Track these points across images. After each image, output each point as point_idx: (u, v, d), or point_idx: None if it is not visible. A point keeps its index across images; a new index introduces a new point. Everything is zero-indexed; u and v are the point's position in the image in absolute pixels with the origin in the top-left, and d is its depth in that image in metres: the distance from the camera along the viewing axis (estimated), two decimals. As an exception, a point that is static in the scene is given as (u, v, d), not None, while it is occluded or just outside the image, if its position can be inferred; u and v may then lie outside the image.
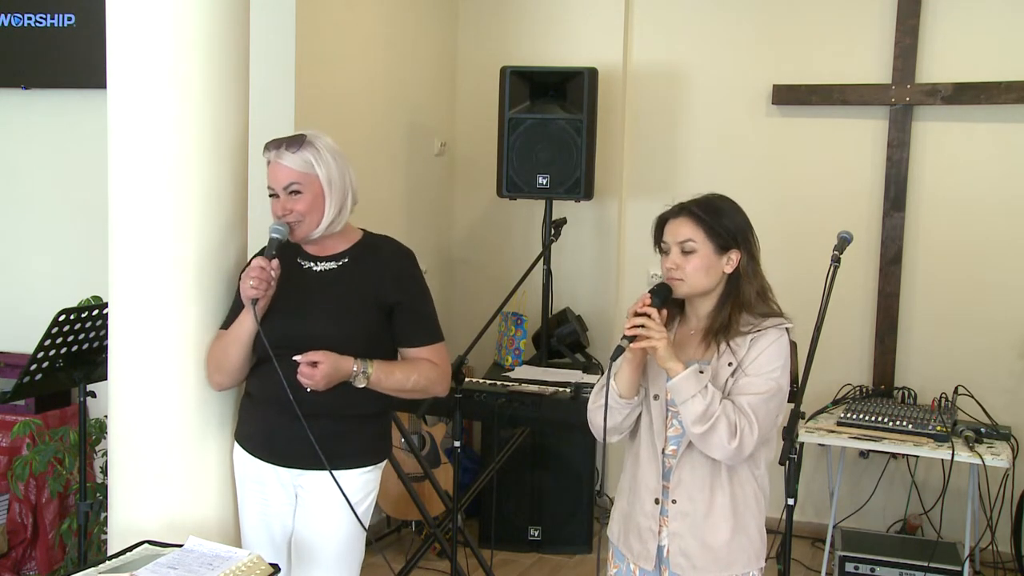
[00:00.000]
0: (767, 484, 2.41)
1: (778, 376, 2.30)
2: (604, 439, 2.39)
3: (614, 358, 2.35)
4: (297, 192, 2.46)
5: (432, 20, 5.06)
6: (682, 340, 2.40)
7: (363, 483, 2.55)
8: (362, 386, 2.46)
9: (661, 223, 2.38)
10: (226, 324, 2.57)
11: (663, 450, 2.37)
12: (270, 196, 2.51)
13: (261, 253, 2.52)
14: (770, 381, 2.29)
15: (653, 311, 2.27)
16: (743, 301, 2.33)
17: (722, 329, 2.32)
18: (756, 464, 2.36)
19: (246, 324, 2.47)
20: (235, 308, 2.56)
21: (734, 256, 2.33)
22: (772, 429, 2.33)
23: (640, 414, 2.42)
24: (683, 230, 2.32)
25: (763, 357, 2.29)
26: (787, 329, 2.36)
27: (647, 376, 2.39)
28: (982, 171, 4.57)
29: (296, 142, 2.47)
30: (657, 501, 2.38)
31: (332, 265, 2.56)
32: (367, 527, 2.57)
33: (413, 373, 2.53)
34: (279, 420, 2.48)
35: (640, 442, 2.43)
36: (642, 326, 2.25)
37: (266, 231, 2.51)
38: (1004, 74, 4.45)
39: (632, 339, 2.27)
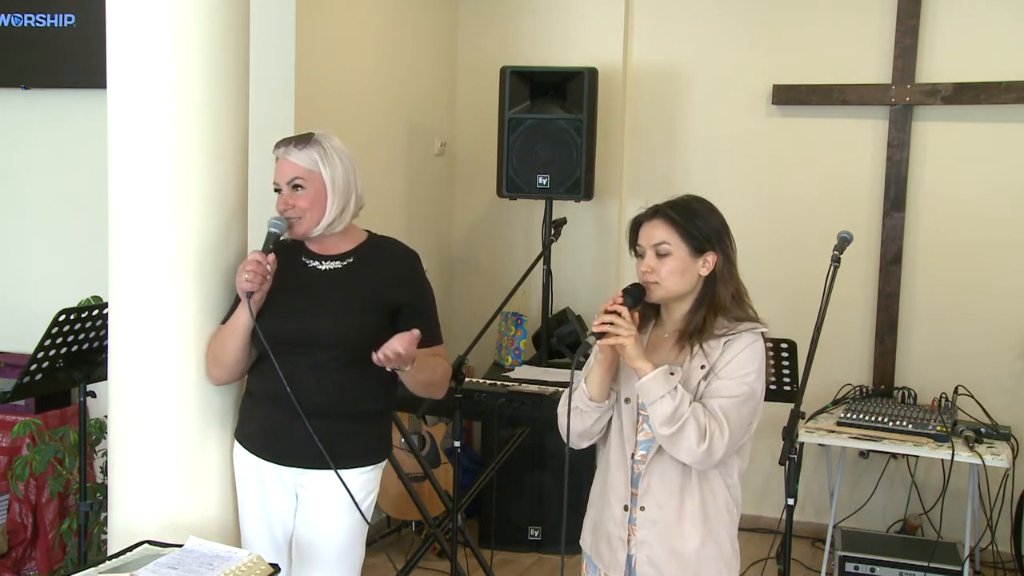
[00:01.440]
0: (740, 496, 2.36)
1: (752, 380, 2.25)
2: (568, 439, 2.35)
3: (581, 354, 2.31)
4: (299, 187, 2.48)
5: (432, 20, 5.06)
6: (656, 343, 2.35)
7: (363, 483, 2.55)
8: (408, 369, 2.40)
9: (636, 226, 2.35)
10: (226, 319, 2.57)
11: (632, 455, 2.33)
12: (276, 191, 2.54)
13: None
14: (743, 385, 2.24)
15: (624, 309, 2.23)
16: (718, 304, 2.29)
17: (696, 332, 2.28)
18: (728, 473, 2.31)
19: (242, 317, 2.47)
20: (236, 304, 2.56)
21: (710, 258, 2.29)
22: (744, 435, 2.28)
23: (611, 418, 2.38)
24: (657, 232, 2.28)
25: (736, 361, 2.25)
26: (762, 334, 2.31)
27: (618, 379, 2.35)
28: (982, 171, 4.57)
29: (304, 140, 2.50)
30: (626, 508, 2.33)
31: (337, 265, 2.56)
32: (370, 524, 2.57)
33: (439, 367, 2.57)
34: (280, 418, 2.48)
35: (610, 447, 2.39)
36: (611, 323, 2.22)
37: (266, 231, 2.51)
38: (1004, 74, 4.45)
39: (600, 336, 2.23)
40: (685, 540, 2.28)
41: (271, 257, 2.46)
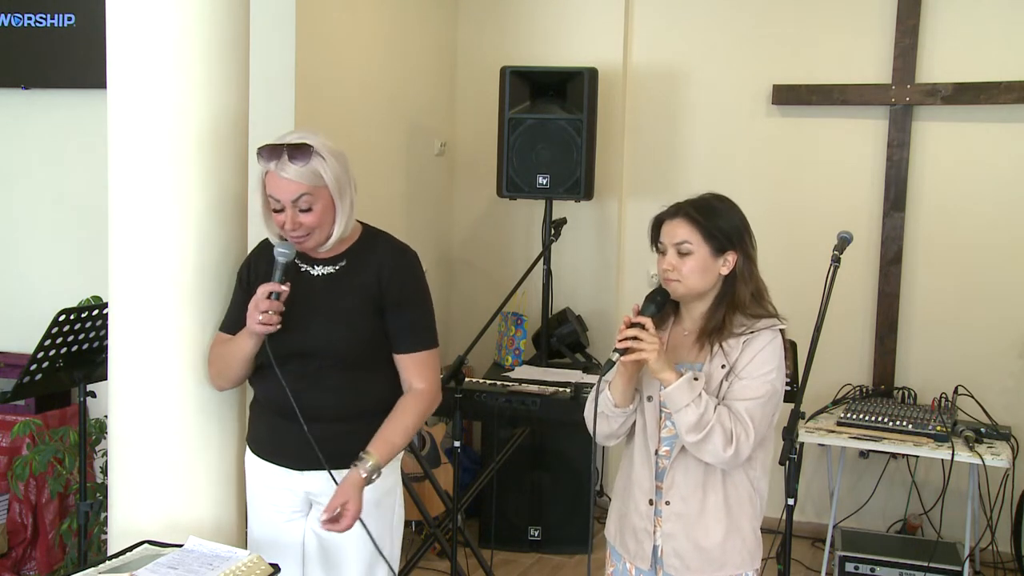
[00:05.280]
0: (764, 487, 2.40)
1: (773, 379, 2.29)
2: (594, 441, 2.40)
3: (604, 372, 2.33)
4: (308, 207, 2.36)
5: (432, 20, 5.06)
6: (676, 341, 2.39)
7: (379, 483, 2.49)
8: (377, 477, 2.40)
9: (658, 223, 2.38)
10: (224, 325, 2.54)
11: (656, 451, 2.37)
12: (273, 210, 2.40)
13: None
14: (765, 384, 2.28)
15: (647, 320, 2.26)
16: (738, 302, 2.32)
17: (716, 330, 2.31)
18: (751, 465, 2.35)
19: (250, 347, 2.42)
20: (233, 308, 2.53)
21: (730, 257, 2.32)
22: (768, 431, 2.33)
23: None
24: (679, 231, 2.31)
25: (757, 359, 2.28)
26: (781, 330, 2.35)
27: (641, 378, 2.38)
28: (982, 171, 4.57)
29: (302, 153, 2.33)
30: (651, 502, 2.38)
31: (330, 269, 2.50)
32: (396, 525, 2.57)
33: (407, 420, 2.46)
34: (285, 424, 2.45)
35: (634, 443, 2.43)
36: (635, 337, 2.24)
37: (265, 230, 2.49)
38: (1004, 74, 4.45)
39: (624, 351, 2.25)
40: (708, 533, 2.33)
41: (285, 288, 2.38)
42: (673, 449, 2.34)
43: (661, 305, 2.33)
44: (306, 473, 2.50)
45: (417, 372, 2.51)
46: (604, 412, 2.39)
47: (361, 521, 2.42)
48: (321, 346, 2.43)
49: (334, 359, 2.43)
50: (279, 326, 2.38)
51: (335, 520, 2.36)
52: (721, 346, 2.30)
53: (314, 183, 2.35)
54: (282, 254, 2.38)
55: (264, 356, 2.44)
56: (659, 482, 2.37)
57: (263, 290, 2.37)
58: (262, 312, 2.35)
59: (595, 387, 2.37)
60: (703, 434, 2.22)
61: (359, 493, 2.36)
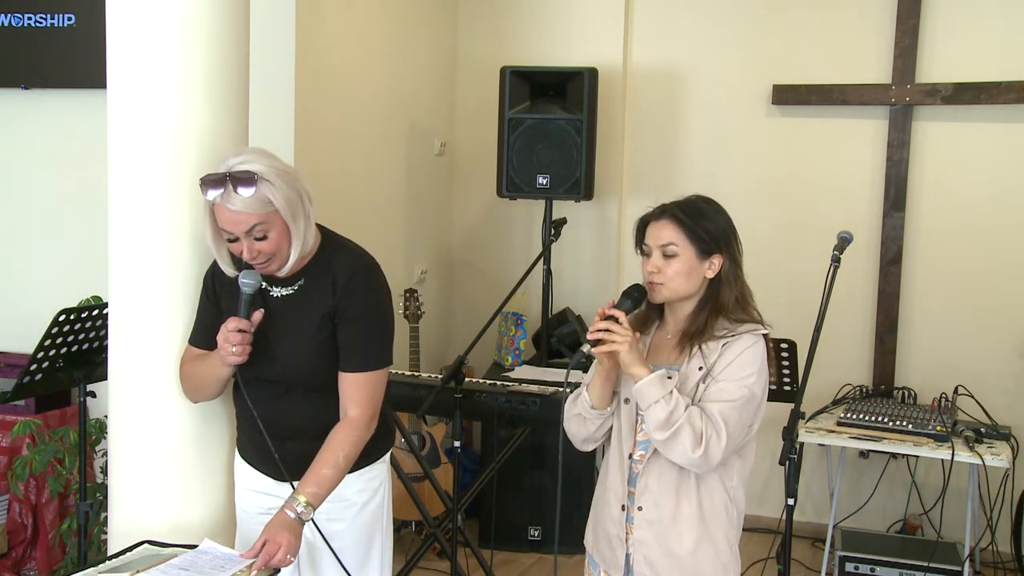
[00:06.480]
0: (742, 498, 2.33)
1: (752, 383, 2.22)
2: (561, 442, 2.35)
3: (576, 363, 2.30)
4: (263, 235, 2.27)
5: (432, 20, 5.06)
6: (659, 344, 2.35)
7: (365, 483, 2.51)
8: (311, 516, 2.33)
9: (643, 225, 2.34)
10: (193, 337, 2.49)
11: (630, 455, 2.32)
12: (228, 240, 2.30)
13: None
14: (743, 388, 2.21)
15: (620, 314, 2.22)
16: (721, 306, 2.27)
17: (697, 333, 2.26)
18: (728, 474, 2.29)
19: (225, 372, 2.40)
20: (199, 319, 2.48)
21: (716, 261, 2.27)
22: (744, 438, 2.26)
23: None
24: (665, 233, 2.27)
25: (736, 363, 2.22)
26: (764, 335, 2.28)
27: (619, 379, 2.33)
28: (982, 171, 4.57)
29: (247, 182, 2.22)
30: (624, 508, 2.33)
31: (288, 291, 2.43)
32: (386, 521, 2.56)
33: (338, 455, 2.34)
34: (262, 439, 2.42)
35: (611, 447, 2.38)
36: (607, 330, 2.21)
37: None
38: (1004, 74, 4.46)
39: (596, 343, 2.22)
40: (681, 541, 2.27)
41: (256, 317, 2.35)
42: (648, 453, 2.29)
43: (638, 301, 2.29)
44: (287, 485, 2.47)
45: (352, 395, 2.39)
46: (581, 414, 2.34)
47: (328, 544, 2.41)
48: (287, 373, 2.41)
49: (302, 383, 2.42)
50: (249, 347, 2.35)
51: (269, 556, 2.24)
52: (700, 348, 2.25)
53: (265, 210, 2.25)
54: (247, 284, 2.32)
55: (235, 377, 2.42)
56: (632, 487, 2.32)
57: (232, 324, 2.33)
58: (233, 345, 2.31)
59: (566, 380, 2.32)
60: (671, 432, 2.16)
61: (286, 532, 2.25)
